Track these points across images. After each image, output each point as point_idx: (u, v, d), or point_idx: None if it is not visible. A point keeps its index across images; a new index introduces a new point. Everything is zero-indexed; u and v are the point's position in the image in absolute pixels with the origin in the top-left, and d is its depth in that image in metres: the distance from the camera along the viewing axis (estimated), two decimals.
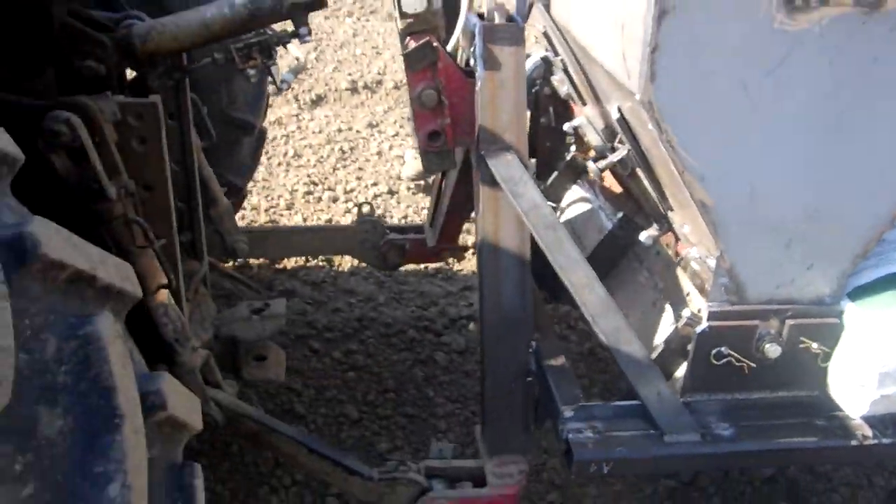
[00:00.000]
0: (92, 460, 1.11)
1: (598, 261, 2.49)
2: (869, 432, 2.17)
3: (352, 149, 5.27)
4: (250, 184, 4.73)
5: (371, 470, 2.39)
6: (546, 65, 2.78)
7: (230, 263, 3.91)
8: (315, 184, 4.90)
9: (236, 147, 3.27)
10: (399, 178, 4.98)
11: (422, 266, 4.14)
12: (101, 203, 2.02)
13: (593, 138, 2.50)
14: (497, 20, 2.22)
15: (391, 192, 4.87)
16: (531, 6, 2.45)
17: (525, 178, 2.20)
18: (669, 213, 2.27)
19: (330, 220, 4.46)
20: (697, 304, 2.23)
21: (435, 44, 2.22)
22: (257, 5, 2.25)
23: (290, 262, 4.10)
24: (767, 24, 1.72)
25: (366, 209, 3.38)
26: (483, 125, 2.22)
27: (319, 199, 4.75)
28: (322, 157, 5.20)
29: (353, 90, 5.95)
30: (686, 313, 2.25)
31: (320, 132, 5.45)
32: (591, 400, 2.53)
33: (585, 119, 2.57)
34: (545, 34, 2.60)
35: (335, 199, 4.76)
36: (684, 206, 2.09)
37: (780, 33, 1.73)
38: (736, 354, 2.11)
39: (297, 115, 5.63)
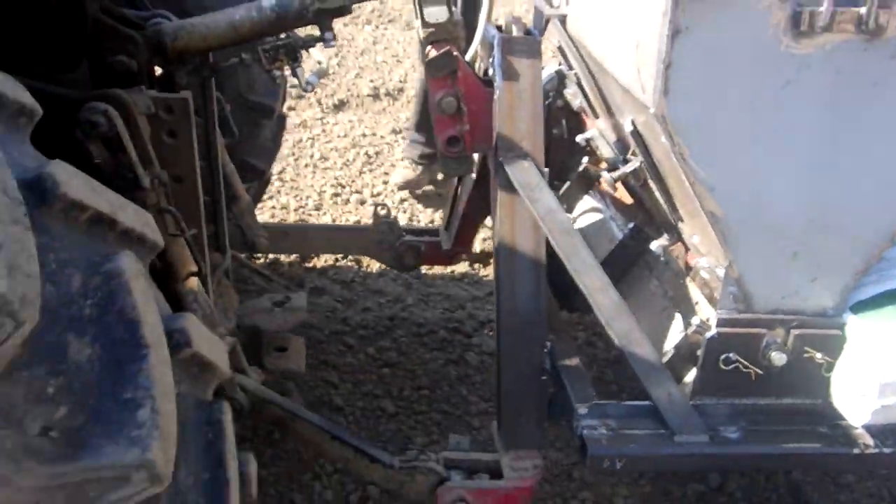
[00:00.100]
0: (121, 387, 1.15)
1: (609, 270, 2.53)
2: (870, 441, 2.23)
3: (377, 153, 5.37)
4: (279, 183, 4.86)
5: (392, 458, 2.45)
6: (559, 78, 2.84)
7: (261, 259, 4.04)
8: (342, 186, 4.99)
9: (257, 130, 3.33)
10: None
11: (448, 270, 4.23)
12: (135, 192, 2.09)
13: (605, 150, 2.57)
14: (515, 33, 2.30)
15: (417, 197, 4.97)
16: (548, 21, 2.52)
17: (542, 185, 2.27)
18: (680, 224, 2.34)
19: (358, 222, 4.56)
20: (706, 313, 2.30)
21: (455, 53, 2.29)
22: (284, 9, 2.33)
23: (321, 261, 4.20)
24: (775, 46, 1.79)
25: (383, 211, 3.46)
26: (501, 133, 2.29)
27: (347, 201, 4.84)
28: (348, 160, 5.30)
29: (376, 96, 6.04)
30: (695, 321, 2.32)
31: (345, 136, 5.55)
32: None
33: (598, 131, 2.65)
34: (560, 48, 2.67)
35: (363, 202, 4.86)
36: (694, 216, 2.16)
37: (787, 56, 1.81)
38: (743, 361, 2.18)
39: (321, 119, 5.73)
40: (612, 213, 2.85)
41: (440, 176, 4.84)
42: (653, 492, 3.07)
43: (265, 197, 4.75)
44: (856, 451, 2.22)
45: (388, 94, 6.08)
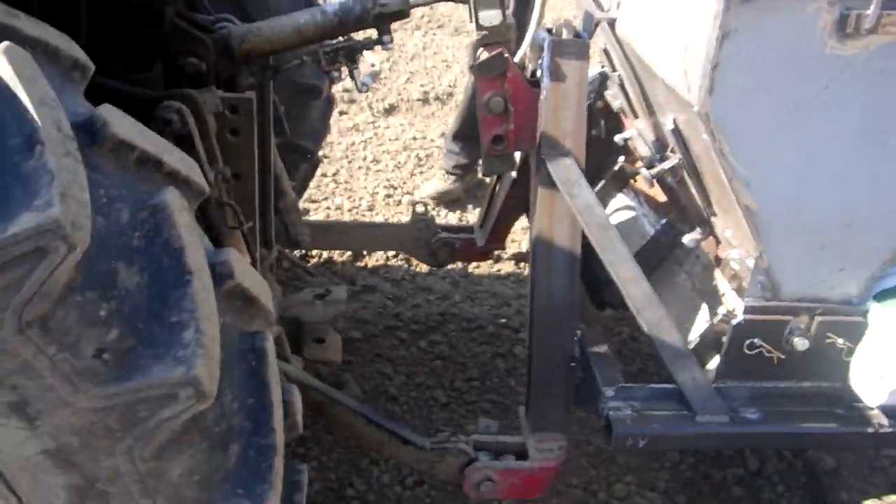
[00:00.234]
0: (167, 311, 1.22)
1: (640, 264, 2.71)
2: (885, 421, 2.38)
3: (427, 156, 5.52)
4: (334, 185, 5.03)
5: (424, 440, 2.58)
6: (602, 79, 2.99)
7: (315, 258, 4.20)
8: (394, 188, 5.14)
9: (305, 112, 3.46)
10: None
11: (495, 269, 4.41)
12: None
13: (643, 149, 2.72)
14: (565, 35, 2.43)
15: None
16: (597, 24, 2.68)
17: (581, 181, 2.41)
18: (713, 219, 2.50)
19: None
20: (733, 303, 2.45)
21: (506, 55, 2.42)
22: (346, 14, 2.47)
23: (372, 260, 4.36)
24: (820, 48, 1.92)
25: (420, 209, 3.61)
26: (545, 132, 2.42)
27: (399, 202, 4.99)
28: (399, 162, 5.45)
29: (425, 101, 6.19)
30: (721, 310, 2.47)
31: (396, 139, 5.70)
32: None
33: (636, 131, 2.80)
34: (605, 51, 2.83)
35: (414, 203, 4.97)
36: (729, 211, 2.32)
37: (832, 57, 1.93)
38: (767, 346, 2.33)
39: (372, 123, 5.88)
40: (645, 211, 3.01)
41: (475, 179, 4.97)
42: (693, 476, 3.23)
43: (321, 197, 4.94)
44: (870, 430, 2.37)
45: (437, 98, 6.23)
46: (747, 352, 2.36)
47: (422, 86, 6.33)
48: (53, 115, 1.15)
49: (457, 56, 6.67)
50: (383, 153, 5.53)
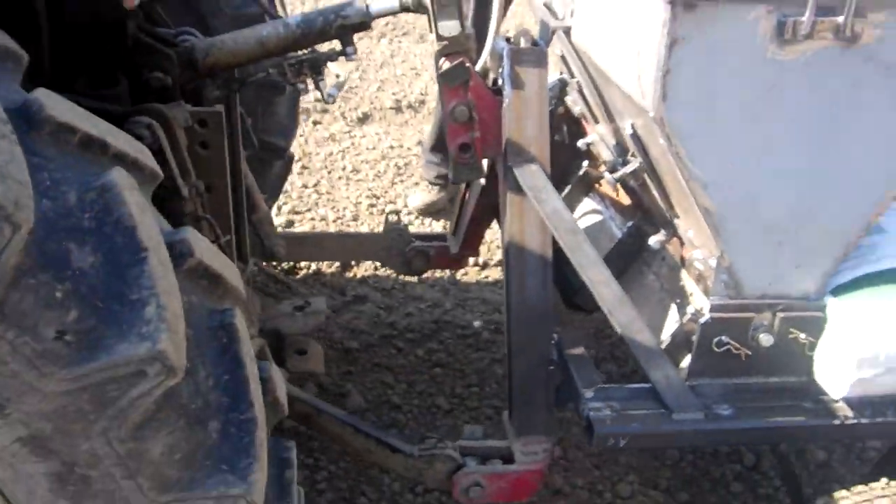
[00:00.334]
0: (126, 289, 1.21)
1: (609, 266, 2.74)
2: (850, 413, 2.43)
3: (406, 165, 5.58)
4: (316, 195, 5.07)
5: (412, 448, 2.62)
6: (561, 86, 3.05)
7: (304, 269, 4.20)
8: (377, 197, 5.20)
9: (272, 108, 3.47)
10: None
11: (482, 275, 4.48)
12: (174, 200, 2.28)
13: (605, 153, 2.78)
14: (523, 44, 2.46)
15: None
16: (553, 32, 2.72)
17: (548, 187, 2.45)
18: (675, 220, 2.55)
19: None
20: (700, 302, 2.49)
21: (467, 64, 2.45)
22: (309, 26, 2.51)
23: (361, 270, 4.42)
24: (761, 53, 1.98)
25: (393, 218, 3.65)
26: (510, 139, 2.45)
27: (382, 211, 5.04)
28: (379, 172, 5.50)
29: (398, 109, 6.24)
30: (690, 310, 2.52)
31: (374, 149, 5.76)
32: None
33: (598, 136, 2.85)
34: (562, 58, 2.88)
35: (397, 212, 5.04)
36: (689, 212, 2.37)
37: (773, 62, 1.99)
38: (734, 343, 2.37)
39: (348, 132, 5.94)
40: (612, 214, 3.05)
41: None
42: (694, 473, 3.32)
43: (304, 209, 4.98)
44: (836, 422, 2.42)
45: (409, 106, 6.28)
46: (716, 349, 2.41)
47: (393, 94, 6.37)
48: None
49: (425, 63, 6.72)
50: (362, 163, 5.58)
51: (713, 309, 2.39)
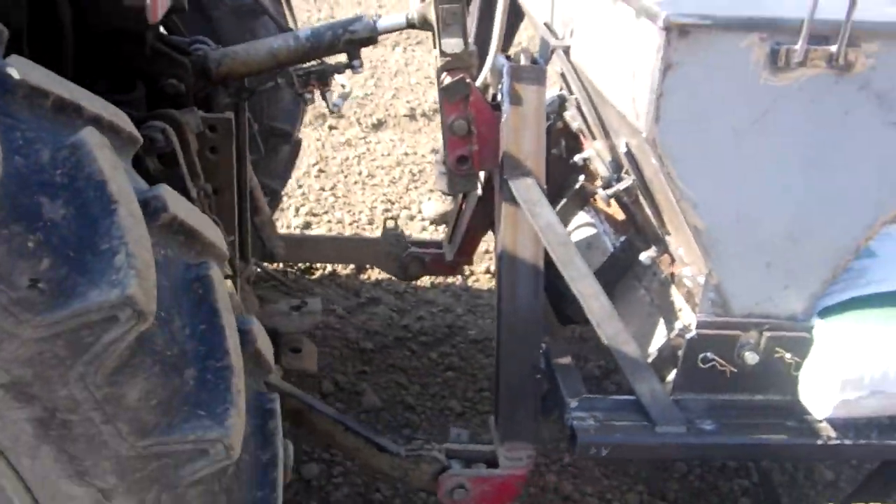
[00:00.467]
0: (97, 239, 1.25)
1: (601, 279, 2.76)
2: (833, 434, 2.47)
3: (420, 172, 5.68)
4: (333, 199, 5.21)
5: (399, 448, 2.67)
6: (560, 101, 3.10)
7: (320, 271, 4.27)
8: (391, 202, 5.31)
9: (277, 95, 3.52)
10: None
11: (494, 283, 4.53)
12: None
13: (601, 169, 2.82)
14: (523, 62, 2.52)
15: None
16: (553, 51, 2.77)
17: (542, 200, 2.50)
18: (666, 237, 2.59)
19: (409, 236, 4.80)
20: (688, 318, 2.54)
21: (468, 80, 2.52)
22: (318, 39, 2.58)
23: (375, 273, 4.51)
24: (755, 80, 2.02)
25: (390, 224, 3.70)
26: (507, 153, 2.50)
27: (397, 216, 5.14)
28: (394, 178, 5.61)
29: (412, 117, 6.36)
30: (678, 325, 2.57)
31: (389, 155, 5.87)
32: None
33: (594, 152, 2.90)
34: (562, 75, 2.93)
35: (412, 217, 5.17)
36: (679, 230, 2.41)
37: (766, 88, 2.04)
38: (720, 360, 2.42)
39: (363, 138, 6.06)
40: (605, 228, 3.10)
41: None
42: (702, 486, 3.38)
43: (321, 211, 5.11)
44: (819, 442, 2.46)
45: (423, 114, 6.41)
46: (701, 365, 2.45)
47: (408, 102, 6.48)
48: None
49: None
50: (377, 168, 5.69)
51: (700, 325, 2.43)
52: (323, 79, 2.78)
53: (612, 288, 2.96)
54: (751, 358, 2.41)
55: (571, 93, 2.87)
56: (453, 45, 2.47)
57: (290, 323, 3.20)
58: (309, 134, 6.12)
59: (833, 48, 2.02)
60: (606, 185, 2.71)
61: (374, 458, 2.71)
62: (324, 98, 2.85)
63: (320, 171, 5.54)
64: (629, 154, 2.45)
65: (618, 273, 2.96)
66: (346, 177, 5.55)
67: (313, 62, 2.76)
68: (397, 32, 2.81)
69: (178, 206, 1.46)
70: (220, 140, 2.55)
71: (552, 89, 3.10)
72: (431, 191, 5.34)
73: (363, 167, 5.67)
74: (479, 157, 2.64)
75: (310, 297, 3.38)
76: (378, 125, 6.20)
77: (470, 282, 4.54)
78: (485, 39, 2.85)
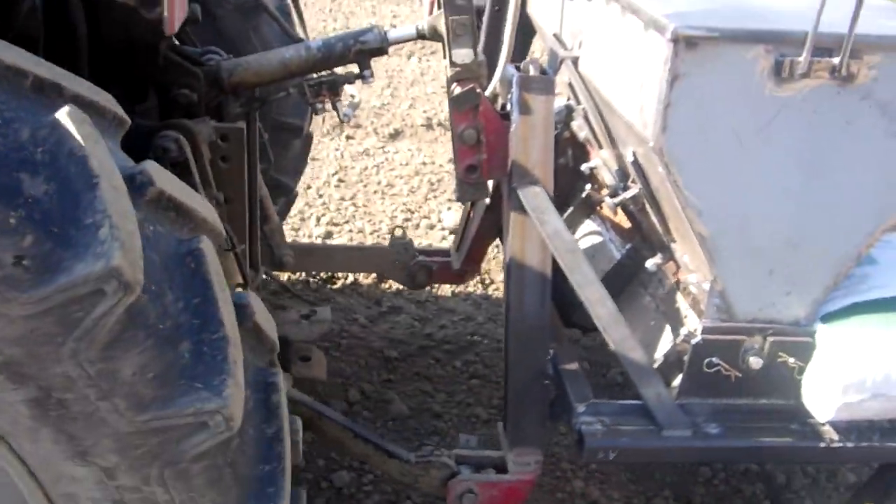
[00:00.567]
0: (81, 214, 1.25)
1: (607, 286, 2.80)
2: (836, 436, 2.52)
3: (439, 181, 5.73)
4: (353, 208, 5.25)
5: (409, 454, 2.69)
6: (567, 111, 3.14)
7: (341, 280, 4.33)
8: (411, 212, 5.36)
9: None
10: None
11: None
12: None
13: (608, 178, 2.87)
14: (532, 72, 2.56)
15: None
16: (562, 62, 2.83)
17: (550, 208, 2.54)
18: (672, 245, 2.64)
19: (430, 245, 4.87)
20: (693, 325, 2.58)
21: (478, 90, 2.56)
22: (329, 50, 2.62)
23: (396, 283, 4.47)
24: (759, 90, 2.09)
25: (398, 233, 3.75)
26: (516, 161, 2.55)
27: (417, 225, 5.20)
28: (413, 187, 5.66)
29: (429, 126, 6.42)
30: (683, 331, 2.61)
31: (407, 164, 5.93)
32: None
33: (601, 161, 2.95)
34: (570, 85, 2.98)
35: (432, 226, 5.21)
36: (685, 237, 2.47)
37: (770, 98, 2.10)
38: (724, 364, 2.47)
39: (381, 148, 6.12)
40: (611, 236, 3.15)
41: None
42: (726, 490, 3.41)
43: (342, 221, 5.15)
44: (823, 445, 2.51)
45: (440, 124, 6.45)
46: (707, 370, 2.50)
47: (424, 112, 6.54)
48: None
49: None
50: (396, 178, 5.75)
51: (705, 331, 2.48)
52: (334, 89, 2.82)
53: (618, 295, 3.00)
54: (755, 362, 2.45)
55: (579, 103, 2.93)
56: (463, 55, 2.51)
57: (299, 331, 3.23)
58: (327, 144, 6.19)
59: (836, 60, 2.08)
60: (613, 194, 2.75)
61: (384, 463, 2.74)
62: (334, 108, 2.89)
63: (340, 180, 5.61)
64: (636, 163, 2.50)
65: (623, 280, 3.01)
66: (365, 186, 5.61)
67: (324, 72, 2.80)
68: (412, 42, 2.85)
69: (166, 181, 1.45)
70: (231, 149, 2.57)
71: (559, 99, 3.15)
72: (451, 200, 5.38)
73: (382, 177, 5.74)
74: (488, 165, 2.68)
75: (318, 307, 3.42)
76: (395, 135, 6.26)
77: (490, 290, 4.59)
78: (493, 50, 2.90)
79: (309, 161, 5.65)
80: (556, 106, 3.08)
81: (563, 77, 2.94)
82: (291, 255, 3.48)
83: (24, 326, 1.23)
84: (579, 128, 3.03)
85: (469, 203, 3.52)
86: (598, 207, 3.25)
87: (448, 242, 4.92)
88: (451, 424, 3.65)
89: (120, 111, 1.51)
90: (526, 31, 3.22)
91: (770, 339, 2.46)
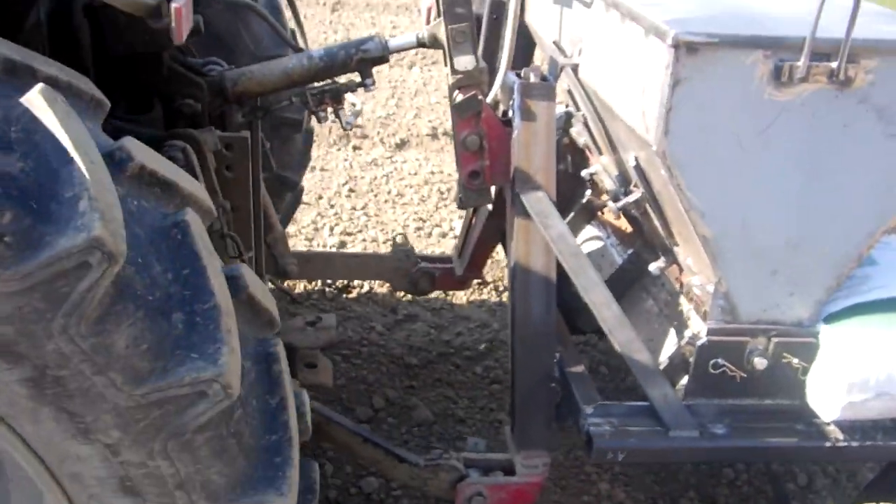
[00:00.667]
0: (59, 189, 1.25)
1: (609, 291, 2.87)
2: (840, 436, 2.55)
3: (448, 190, 5.77)
4: (365, 218, 5.30)
5: (418, 458, 2.72)
6: (567, 118, 3.17)
7: (358, 289, 4.36)
8: (423, 220, 5.41)
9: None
10: None
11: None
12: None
13: (608, 183, 2.90)
14: (532, 79, 2.59)
15: None
16: (562, 69, 2.86)
17: (553, 213, 2.57)
18: (675, 248, 2.67)
19: (442, 253, 4.87)
20: (697, 327, 2.61)
21: (480, 97, 2.59)
22: (331, 58, 2.64)
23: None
24: (759, 94, 2.12)
25: (400, 240, 3.77)
26: (518, 167, 2.58)
27: (430, 234, 5.24)
28: (423, 196, 5.72)
29: (434, 136, 6.47)
30: (687, 334, 2.64)
31: (415, 174, 5.99)
32: None
33: (601, 166, 2.98)
34: (569, 92, 3.01)
35: (444, 235, 5.25)
36: (688, 240, 2.49)
37: (770, 102, 2.13)
38: (730, 365, 2.49)
39: (389, 158, 6.18)
40: (613, 241, 3.18)
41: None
42: (749, 491, 3.44)
43: (355, 230, 5.19)
44: (828, 444, 2.54)
45: (445, 133, 6.49)
46: (712, 371, 2.52)
47: (429, 121, 6.60)
48: None
49: None
50: (406, 187, 5.80)
51: (710, 332, 2.50)
52: (336, 97, 2.84)
53: (621, 299, 3.02)
54: (760, 363, 2.48)
55: (578, 109, 2.95)
56: (464, 62, 2.54)
57: (305, 338, 3.25)
58: (335, 154, 6.24)
59: (834, 64, 2.12)
60: (615, 199, 2.78)
61: (394, 468, 2.76)
62: (337, 116, 2.91)
63: (350, 190, 5.66)
64: (638, 167, 2.53)
65: (626, 284, 3.03)
66: (375, 196, 5.67)
67: (327, 81, 2.83)
68: (413, 53, 2.88)
69: (146, 156, 1.45)
70: (236, 158, 2.60)
71: (558, 106, 3.18)
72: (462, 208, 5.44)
73: (392, 186, 5.79)
74: (491, 171, 2.70)
75: (324, 314, 3.44)
76: (401, 144, 6.31)
77: (504, 297, 4.61)
78: (491, 58, 2.93)
79: (319, 171, 5.81)
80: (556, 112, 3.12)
81: (562, 84, 2.97)
82: (295, 264, 3.50)
83: (11, 304, 1.24)
84: (578, 134, 3.05)
85: (471, 209, 3.54)
86: (599, 213, 3.27)
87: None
88: (475, 430, 3.67)
89: (98, 93, 1.51)
90: (523, 39, 3.25)
91: (774, 339, 2.48)
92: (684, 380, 2.63)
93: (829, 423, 2.56)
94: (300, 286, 4.47)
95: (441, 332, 4.32)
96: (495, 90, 2.74)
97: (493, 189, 2.98)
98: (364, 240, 5.11)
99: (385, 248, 5.00)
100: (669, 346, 2.74)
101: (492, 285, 4.72)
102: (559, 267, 2.61)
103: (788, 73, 2.09)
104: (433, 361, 4.08)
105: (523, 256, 2.64)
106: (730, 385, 2.53)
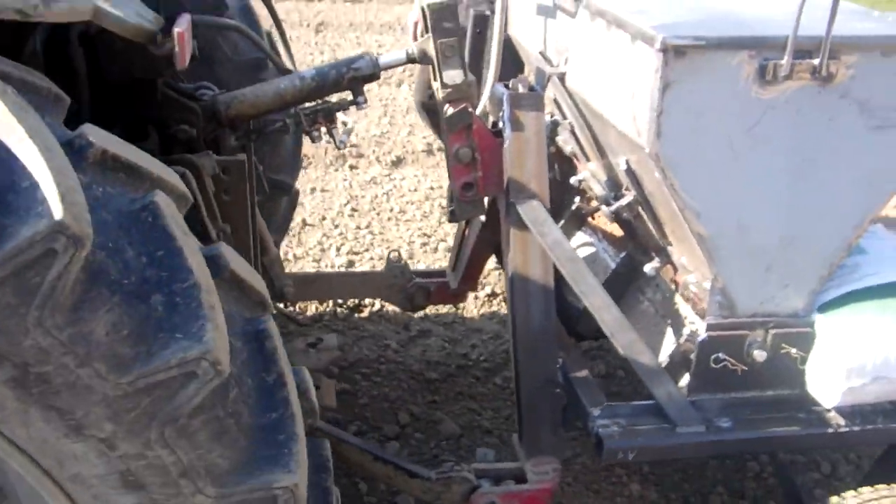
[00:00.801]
0: (17, 180, 1.22)
1: None
2: (842, 421, 2.60)
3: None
4: (370, 236, 5.34)
5: (429, 472, 2.73)
6: (553, 126, 3.23)
7: (368, 307, 4.38)
8: (427, 236, 5.46)
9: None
10: None
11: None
12: (203, 243, 2.42)
13: (597, 189, 2.94)
14: (521, 90, 2.64)
15: None
16: (549, 78, 2.91)
17: (548, 220, 2.62)
18: (669, 248, 2.72)
19: (438, 268, 4.89)
20: (696, 323, 2.65)
21: (470, 109, 2.63)
22: (323, 78, 2.68)
23: None
24: (746, 93, 2.18)
25: (394, 256, 3.80)
26: (511, 177, 2.63)
27: (435, 249, 5.29)
28: (426, 212, 5.77)
29: (429, 152, 6.53)
30: (686, 331, 2.68)
31: (415, 191, 6.05)
32: None
33: (590, 173, 3.03)
34: (555, 101, 3.07)
35: (449, 249, 5.19)
36: (683, 239, 2.55)
37: (756, 100, 2.20)
38: (730, 359, 2.54)
39: (388, 175, 6.24)
40: (605, 246, 3.23)
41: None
42: (775, 483, 3.50)
43: (362, 249, 5.23)
44: (830, 430, 2.59)
45: (440, 149, 6.49)
46: (714, 366, 2.57)
47: (424, 137, 6.65)
48: None
49: None
50: (407, 204, 5.86)
51: (709, 328, 2.55)
52: (329, 116, 2.88)
53: (618, 303, 3.07)
54: (759, 355, 2.53)
55: (565, 118, 3.01)
56: (453, 76, 2.59)
57: (307, 360, 3.28)
58: (334, 175, 6.28)
59: (816, 61, 2.19)
60: (605, 203, 2.82)
61: (407, 483, 2.78)
62: (330, 135, 2.95)
63: (353, 209, 5.71)
64: (629, 171, 2.58)
65: (620, 288, 3.07)
66: (378, 214, 5.72)
67: (319, 100, 2.86)
68: (401, 71, 2.93)
69: (107, 141, 1.42)
70: (233, 181, 2.64)
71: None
72: (465, 222, 5.46)
73: (393, 203, 5.85)
74: (484, 182, 2.75)
75: (325, 335, 3.46)
76: (398, 162, 6.37)
77: None
78: (476, 71, 2.97)
79: (319, 192, 5.87)
80: None
81: (548, 93, 3.03)
82: (291, 286, 3.53)
83: None
84: (565, 142, 3.10)
85: (463, 222, 3.58)
86: (591, 218, 3.32)
87: None
88: (502, 440, 3.70)
89: (55, 88, 1.50)
90: (507, 51, 3.29)
91: (772, 331, 2.54)
92: (685, 377, 2.67)
93: (830, 410, 2.62)
94: (311, 308, 4.49)
95: (455, 345, 4.36)
96: (483, 103, 2.79)
97: (486, 200, 3.03)
98: (371, 258, 5.15)
99: None
100: (669, 344, 2.78)
101: (501, 297, 4.76)
102: (556, 273, 2.65)
103: (773, 72, 2.16)
104: (453, 375, 4.12)
105: (520, 265, 2.68)
106: (732, 379, 2.58)
